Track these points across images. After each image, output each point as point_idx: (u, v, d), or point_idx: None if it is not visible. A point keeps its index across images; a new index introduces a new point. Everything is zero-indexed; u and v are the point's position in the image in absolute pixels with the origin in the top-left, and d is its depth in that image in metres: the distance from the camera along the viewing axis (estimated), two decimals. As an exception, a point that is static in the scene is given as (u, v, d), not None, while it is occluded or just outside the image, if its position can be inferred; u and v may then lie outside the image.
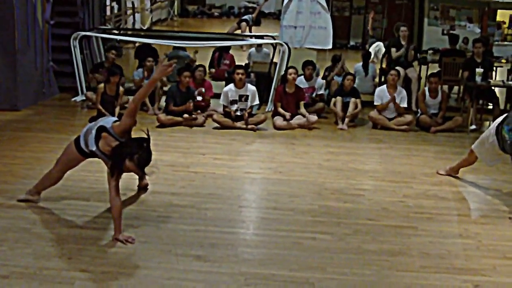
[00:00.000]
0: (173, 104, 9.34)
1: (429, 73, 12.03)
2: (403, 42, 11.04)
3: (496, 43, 21.02)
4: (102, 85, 9.54)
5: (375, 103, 9.75)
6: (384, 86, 9.85)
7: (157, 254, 4.79)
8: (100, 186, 6.34)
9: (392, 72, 9.77)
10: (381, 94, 9.72)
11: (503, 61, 18.50)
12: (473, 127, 10.01)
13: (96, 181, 6.52)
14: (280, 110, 9.50)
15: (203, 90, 9.82)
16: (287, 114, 9.41)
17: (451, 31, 23.88)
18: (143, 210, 5.76)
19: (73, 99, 11.08)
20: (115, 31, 14.51)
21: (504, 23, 23.54)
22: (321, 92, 10.55)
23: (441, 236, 5.41)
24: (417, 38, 21.39)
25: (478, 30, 23.78)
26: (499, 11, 23.08)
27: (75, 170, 6.82)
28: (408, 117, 9.73)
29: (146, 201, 6.02)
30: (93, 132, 5.24)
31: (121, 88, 9.62)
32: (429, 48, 18.66)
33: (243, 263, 4.71)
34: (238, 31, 17.94)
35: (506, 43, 21.98)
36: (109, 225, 5.28)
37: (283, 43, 10.84)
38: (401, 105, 9.65)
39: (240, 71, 9.37)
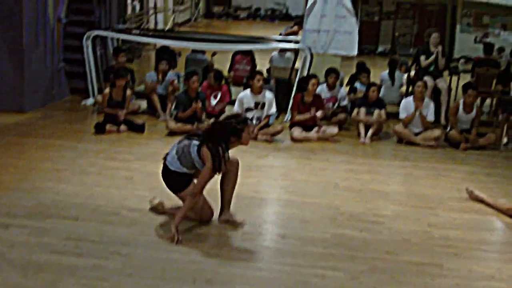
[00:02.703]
0: (182, 111, 8.77)
1: (460, 84, 11.32)
2: (433, 50, 10.30)
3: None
4: (107, 89, 8.99)
5: (400, 116, 9.07)
6: (411, 98, 9.14)
7: (142, 291, 4.21)
8: (93, 203, 5.80)
9: (419, 83, 9.06)
10: (407, 106, 9.03)
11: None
12: (505, 141, 9.41)
13: (89, 196, 5.97)
14: (298, 117, 8.89)
15: (200, 105, 9.01)
16: (307, 115, 8.83)
17: (484, 39, 23.07)
18: (133, 234, 5.17)
19: (83, 102, 10.58)
20: (135, 31, 14.02)
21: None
22: (345, 103, 9.90)
23: (470, 277, 4.73)
24: (449, 45, 20.54)
25: (513, 38, 22.90)
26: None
27: (69, 183, 6.33)
28: (436, 132, 9.03)
29: (138, 223, 5.43)
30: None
31: (128, 92, 9.05)
32: (461, 57, 17.90)
33: (239, 305, 4.10)
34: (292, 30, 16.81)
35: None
36: (94, 251, 4.72)
37: (306, 48, 10.20)
38: (428, 119, 8.94)
39: (259, 76, 8.78)
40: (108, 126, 8.69)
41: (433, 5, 22.72)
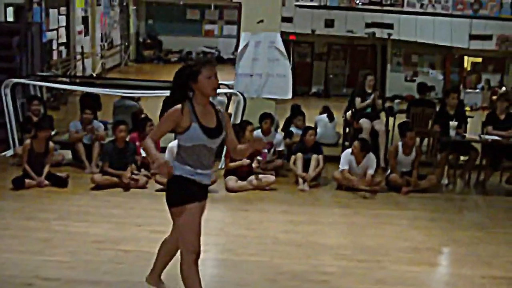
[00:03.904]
0: (109, 163, 8.16)
1: (396, 124, 11.13)
2: (368, 91, 10.06)
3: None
4: (28, 141, 8.31)
5: (340, 167, 8.65)
6: (350, 150, 8.75)
7: None
8: (3, 273, 5.10)
9: (355, 143, 8.70)
10: (347, 159, 8.65)
11: (467, 108, 17.79)
12: (446, 182, 9.28)
13: None
14: (231, 164, 8.42)
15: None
16: (246, 161, 8.35)
17: (414, 78, 23.37)
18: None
19: (2, 153, 9.81)
20: (60, 78, 13.37)
21: (471, 70, 23.07)
22: (281, 148, 9.49)
23: None
24: (380, 85, 20.67)
25: (441, 77, 23.29)
26: (465, 57, 22.60)
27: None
28: (377, 177, 8.70)
29: (55, 297, 4.80)
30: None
31: (51, 144, 8.41)
32: (393, 96, 17.90)
33: None
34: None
35: (468, 90, 21.40)
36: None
37: (238, 93, 9.78)
38: (369, 172, 8.56)
39: None
40: (27, 181, 7.99)
41: (363, 46, 22.91)
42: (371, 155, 8.69)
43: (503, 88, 20.78)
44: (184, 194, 4.13)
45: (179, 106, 4.06)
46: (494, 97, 20.60)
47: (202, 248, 6.00)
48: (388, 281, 5.36)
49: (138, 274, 5.23)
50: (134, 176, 8.20)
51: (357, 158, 8.61)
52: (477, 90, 21.38)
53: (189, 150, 4.12)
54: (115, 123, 8.49)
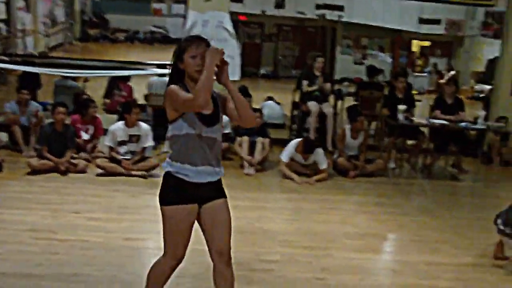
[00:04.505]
0: (47, 147, 7.79)
1: (345, 107, 11.03)
2: (317, 74, 9.90)
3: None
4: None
5: (282, 157, 8.36)
6: (295, 145, 8.50)
7: None
8: None
9: (299, 142, 8.40)
10: (291, 153, 8.38)
11: (415, 92, 17.89)
12: (393, 165, 9.24)
13: None
14: None
15: None
16: None
17: (363, 61, 23.41)
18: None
19: None
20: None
21: (419, 53, 23.26)
22: (227, 131, 9.26)
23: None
24: (329, 67, 20.62)
25: (390, 60, 23.39)
26: (414, 41, 22.77)
27: None
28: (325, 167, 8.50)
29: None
30: None
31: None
32: (342, 78, 17.86)
33: None
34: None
35: (416, 74, 21.57)
36: None
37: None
38: (322, 168, 8.37)
39: (136, 110, 7.98)
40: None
41: (313, 27, 22.80)
42: (319, 151, 8.45)
43: (452, 72, 20.98)
44: (167, 194, 3.60)
45: (175, 86, 3.50)
46: (441, 81, 20.82)
47: (139, 236, 5.81)
48: (333, 269, 5.21)
49: (73, 265, 4.96)
50: (73, 161, 7.85)
51: (303, 155, 8.42)
52: (425, 74, 21.56)
53: (182, 140, 3.55)
54: (54, 105, 8.11)
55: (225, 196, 3.73)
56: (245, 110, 3.56)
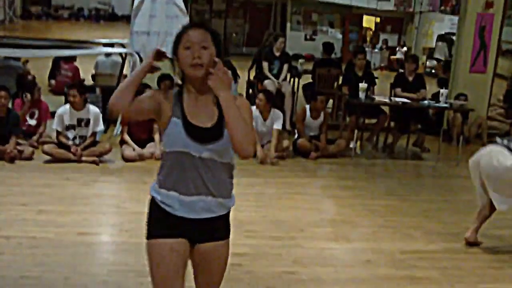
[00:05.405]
0: (-13, 132, 7.23)
1: (301, 85, 10.71)
2: (277, 54, 9.55)
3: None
4: None
5: None
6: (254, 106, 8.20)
7: None
8: None
9: (260, 96, 8.13)
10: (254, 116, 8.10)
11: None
12: (354, 146, 8.83)
13: None
14: (126, 137, 7.67)
15: None
16: (133, 146, 7.61)
17: (314, 37, 23.17)
18: None
19: None
20: None
21: (370, 29, 23.15)
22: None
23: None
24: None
25: (340, 36, 23.23)
26: (364, 17, 22.64)
27: None
28: (285, 142, 8.22)
29: None
30: None
31: None
32: (294, 54, 17.57)
33: None
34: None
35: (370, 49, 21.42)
36: None
37: (134, 53, 8.97)
38: (276, 127, 8.07)
39: (73, 92, 7.41)
40: None
41: (262, 4, 22.42)
42: (276, 110, 8.18)
43: (404, 48, 20.92)
44: (148, 225, 2.83)
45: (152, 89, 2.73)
46: (393, 57, 20.75)
47: (94, 230, 5.37)
48: (305, 261, 4.89)
49: (20, 266, 4.49)
50: (18, 147, 7.29)
51: (263, 113, 8.05)
52: (376, 50, 21.45)
53: (170, 160, 2.73)
54: (-5, 88, 7.51)
55: (227, 236, 2.91)
56: (239, 135, 2.58)
